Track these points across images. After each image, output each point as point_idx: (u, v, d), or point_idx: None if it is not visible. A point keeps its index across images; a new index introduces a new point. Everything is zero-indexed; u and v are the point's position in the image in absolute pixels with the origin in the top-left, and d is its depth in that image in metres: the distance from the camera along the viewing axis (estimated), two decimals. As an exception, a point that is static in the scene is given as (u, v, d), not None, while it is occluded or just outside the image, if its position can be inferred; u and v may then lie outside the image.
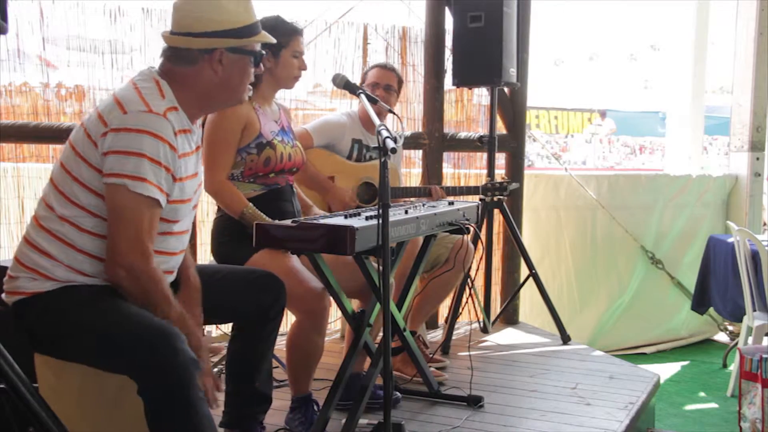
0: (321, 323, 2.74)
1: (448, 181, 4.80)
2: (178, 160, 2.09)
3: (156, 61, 2.22)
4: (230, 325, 4.04)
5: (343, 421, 2.72)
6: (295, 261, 2.77)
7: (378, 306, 2.78)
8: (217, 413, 2.07)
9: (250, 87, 2.28)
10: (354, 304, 3.06)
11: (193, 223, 3.96)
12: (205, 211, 4.11)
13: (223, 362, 3.47)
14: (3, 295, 2.13)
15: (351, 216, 2.64)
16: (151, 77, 2.14)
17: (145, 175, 1.99)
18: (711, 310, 5.10)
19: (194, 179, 2.22)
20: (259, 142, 2.85)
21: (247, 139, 2.84)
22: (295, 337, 2.77)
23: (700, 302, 4.97)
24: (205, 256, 3.90)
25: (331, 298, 2.78)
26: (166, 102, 2.10)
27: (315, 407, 2.86)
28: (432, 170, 4.46)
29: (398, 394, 3.22)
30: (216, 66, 2.15)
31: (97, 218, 2.06)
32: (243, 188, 2.87)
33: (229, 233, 2.89)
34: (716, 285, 4.79)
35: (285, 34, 2.91)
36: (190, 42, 2.13)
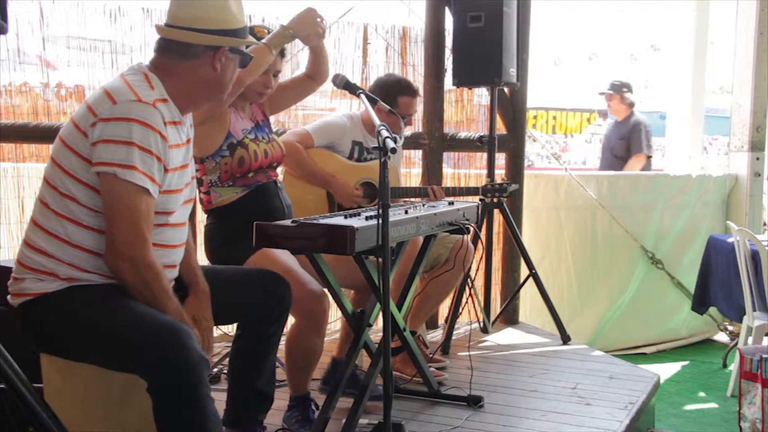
0: (320, 325, 2.74)
1: (448, 181, 4.79)
2: (168, 151, 2.09)
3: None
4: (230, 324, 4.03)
5: (343, 421, 2.72)
6: (294, 262, 2.77)
7: (378, 306, 2.78)
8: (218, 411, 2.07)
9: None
10: (349, 296, 3.05)
11: (194, 223, 3.96)
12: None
13: (224, 362, 3.48)
14: (9, 297, 2.13)
15: (351, 216, 2.64)
16: (140, 71, 2.16)
17: (135, 163, 1.99)
18: (711, 310, 5.10)
19: (184, 171, 2.22)
20: (230, 143, 2.81)
21: (219, 136, 2.80)
22: (294, 338, 2.78)
23: (701, 302, 4.97)
24: (205, 257, 3.89)
25: (331, 298, 2.78)
26: (156, 93, 2.11)
27: (313, 406, 2.86)
28: (432, 170, 4.46)
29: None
30: (216, 63, 2.18)
31: (90, 210, 2.06)
32: (224, 192, 2.85)
33: (223, 237, 2.88)
34: (719, 285, 4.78)
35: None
36: (198, 38, 2.14)
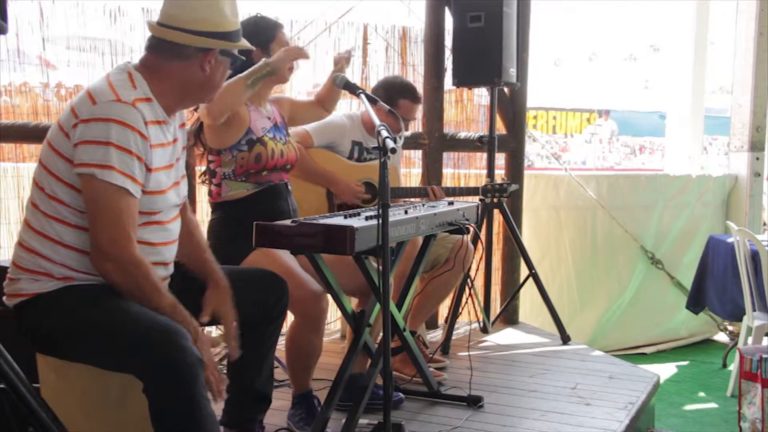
0: (319, 325, 2.74)
1: (448, 181, 4.79)
2: (150, 150, 2.09)
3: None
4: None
5: (343, 421, 2.72)
6: (293, 262, 2.77)
7: (378, 306, 2.78)
8: (216, 412, 2.07)
9: None
10: (352, 303, 3.05)
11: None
12: (205, 210, 4.10)
13: (224, 362, 3.48)
14: (4, 298, 2.13)
15: (351, 216, 2.64)
16: (125, 70, 2.16)
17: (113, 163, 1.99)
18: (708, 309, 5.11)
19: (169, 171, 2.21)
20: (249, 139, 2.83)
21: (237, 133, 2.82)
22: (293, 338, 2.78)
23: (696, 302, 4.97)
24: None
25: (331, 298, 2.79)
26: (138, 93, 2.11)
27: (316, 402, 2.87)
28: (432, 170, 4.46)
29: (401, 394, 3.22)
30: (206, 65, 2.18)
31: (75, 210, 2.06)
32: (236, 187, 2.86)
33: (224, 235, 2.88)
34: (714, 285, 4.79)
35: (270, 27, 2.94)
36: (190, 39, 2.14)
